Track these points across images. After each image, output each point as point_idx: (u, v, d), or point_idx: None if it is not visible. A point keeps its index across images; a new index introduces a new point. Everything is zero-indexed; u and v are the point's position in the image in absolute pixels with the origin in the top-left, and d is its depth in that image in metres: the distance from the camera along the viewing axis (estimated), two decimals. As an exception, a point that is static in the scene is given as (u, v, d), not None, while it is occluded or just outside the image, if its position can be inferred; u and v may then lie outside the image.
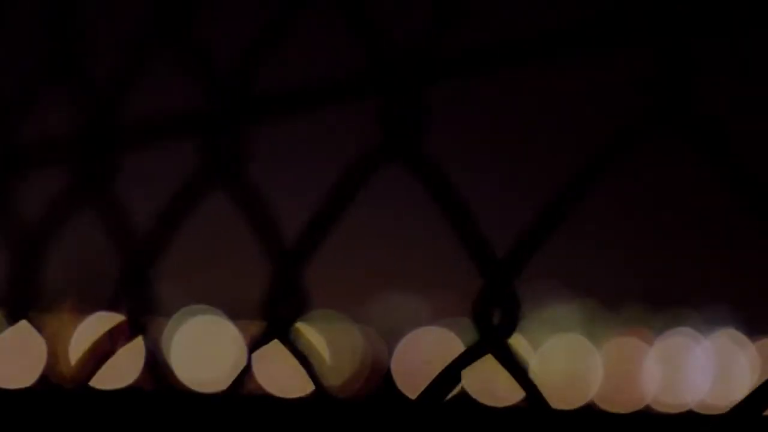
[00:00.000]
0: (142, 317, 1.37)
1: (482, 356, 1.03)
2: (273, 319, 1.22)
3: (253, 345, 1.22)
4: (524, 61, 1.05)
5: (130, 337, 1.40)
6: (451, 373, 1.04)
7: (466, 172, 1.13)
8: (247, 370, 1.23)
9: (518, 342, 1.02)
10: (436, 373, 1.05)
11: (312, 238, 1.19)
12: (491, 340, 1.02)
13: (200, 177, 1.31)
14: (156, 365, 1.39)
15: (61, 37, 1.57)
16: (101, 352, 1.42)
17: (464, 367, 1.03)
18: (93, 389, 1.48)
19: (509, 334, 1.02)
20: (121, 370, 1.49)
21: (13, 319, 1.57)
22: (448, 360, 1.05)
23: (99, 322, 1.59)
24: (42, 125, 1.64)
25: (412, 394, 1.19)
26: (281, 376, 1.38)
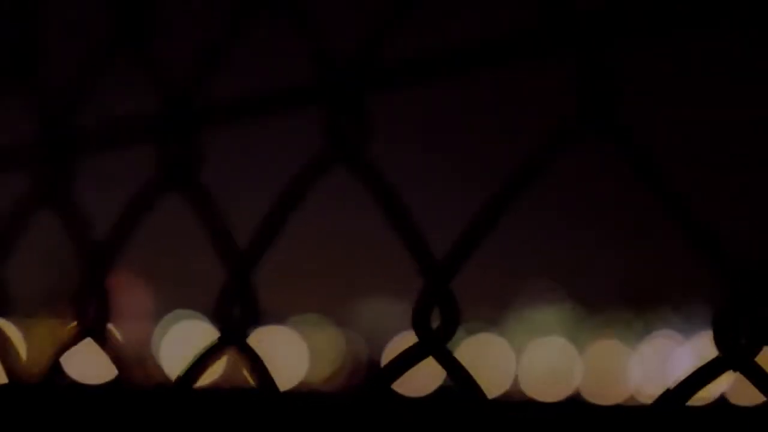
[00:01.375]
0: (101, 324, 1.39)
1: (422, 359, 1.05)
2: (226, 326, 1.23)
3: (208, 352, 1.23)
4: (460, 70, 1.08)
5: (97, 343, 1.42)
6: (388, 375, 1.06)
7: (410, 176, 1.15)
8: (196, 372, 1.24)
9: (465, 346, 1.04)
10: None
11: (261, 244, 1.21)
12: (431, 342, 1.04)
13: (154, 182, 1.33)
14: (121, 369, 1.41)
15: (16, 41, 1.59)
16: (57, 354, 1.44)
17: (403, 370, 1.05)
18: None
19: (450, 336, 1.04)
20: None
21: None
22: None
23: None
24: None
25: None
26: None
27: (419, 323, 1.05)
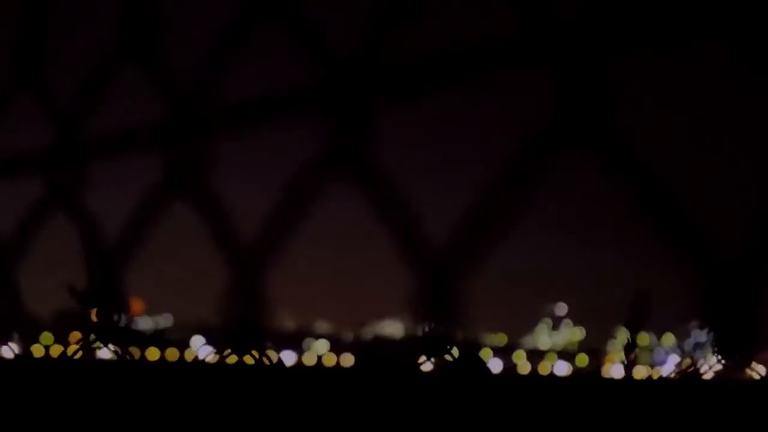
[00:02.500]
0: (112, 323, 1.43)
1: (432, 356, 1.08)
2: (236, 328, 1.27)
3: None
4: (452, 79, 1.12)
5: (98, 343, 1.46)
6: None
7: (410, 176, 1.19)
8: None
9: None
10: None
11: (267, 247, 1.25)
12: (432, 340, 1.08)
13: (163, 186, 1.36)
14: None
15: (26, 51, 1.62)
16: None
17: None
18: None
19: (450, 335, 1.08)
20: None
21: None
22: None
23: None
24: (11, 138, 1.70)
25: None
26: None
27: (418, 321, 1.08)
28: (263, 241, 1.26)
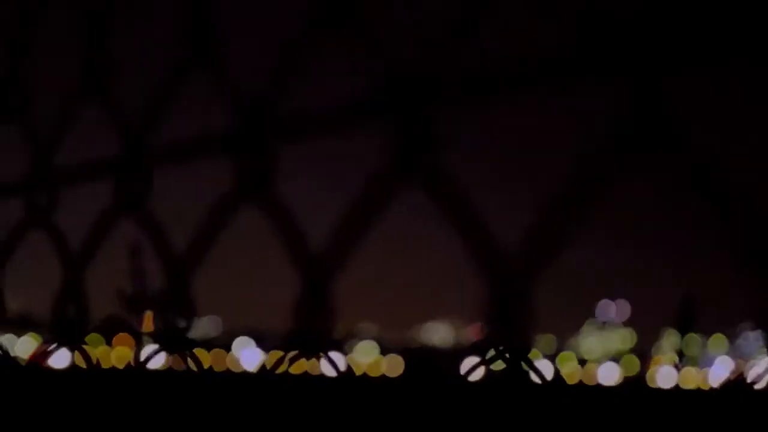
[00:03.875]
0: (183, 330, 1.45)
1: (495, 362, 1.09)
2: (304, 333, 1.28)
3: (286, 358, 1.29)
4: (518, 89, 1.13)
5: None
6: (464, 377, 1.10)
7: (477, 187, 1.20)
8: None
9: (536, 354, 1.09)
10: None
11: (336, 255, 1.26)
12: (504, 349, 1.08)
13: (233, 193, 1.38)
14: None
15: (93, 59, 1.64)
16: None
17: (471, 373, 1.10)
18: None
19: (523, 342, 1.08)
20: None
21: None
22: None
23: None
24: (81, 146, 1.72)
25: None
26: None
27: (492, 328, 1.09)
28: (331, 249, 1.27)
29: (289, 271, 1.32)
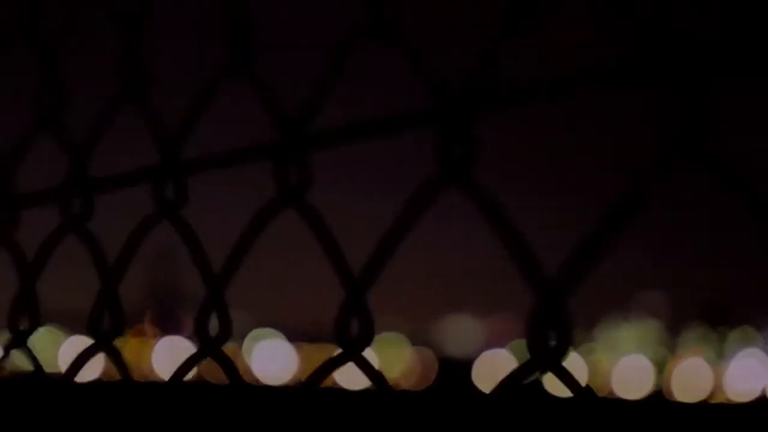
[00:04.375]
0: (222, 341, 1.45)
1: (536, 374, 1.09)
2: (345, 342, 1.28)
3: (329, 365, 1.30)
4: (562, 97, 1.12)
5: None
6: (506, 390, 1.10)
7: (518, 197, 1.19)
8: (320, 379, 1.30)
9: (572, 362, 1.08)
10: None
11: (376, 264, 1.26)
12: (546, 360, 1.08)
13: (271, 203, 1.38)
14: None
15: (130, 68, 1.65)
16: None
17: (515, 386, 1.09)
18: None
19: (564, 353, 1.08)
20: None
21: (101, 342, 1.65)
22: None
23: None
24: (113, 155, 1.73)
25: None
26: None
27: (533, 341, 1.08)
28: (374, 256, 1.27)
29: (328, 280, 1.32)
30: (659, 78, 1.02)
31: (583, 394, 1.09)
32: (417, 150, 1.30)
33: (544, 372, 1.09)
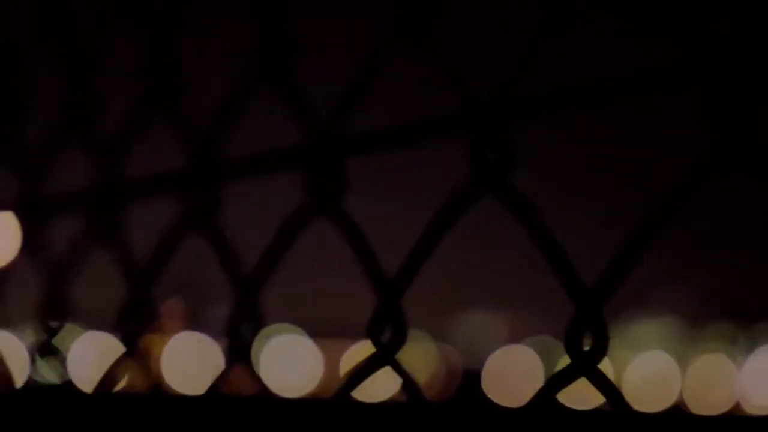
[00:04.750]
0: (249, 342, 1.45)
1: (575, 380, 1.09)
2: (380, 345, 1.28)
3: (362, 371, 1.29)
4: (600, 103, 1.12)
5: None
6: (545, 397, 1.10)
7: (552, 203, 1.20)
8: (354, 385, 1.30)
9: (606, 365, 1.09)
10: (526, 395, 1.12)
11: (411, 269, 1.26)
12: (583, 364, 1.08)
13: (304, 208, 1.38)
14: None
15: (160, 74, 1.65)
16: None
17: (557, 390, 1.10)
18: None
19: (600, 358, 1.08)
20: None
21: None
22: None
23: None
24: (147, 159, 1.73)
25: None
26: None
27: (571, 346, 1.09)
28: (408, 261, 1.27)
29: (361, 287, 1.32)
30: (697, 81, 1.02)
31: (618, 401, 1.09)
32: (445, 156, 1.30)
33: (580, 377, 1.10)
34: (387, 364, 1.28)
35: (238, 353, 1.47)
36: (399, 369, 1.28)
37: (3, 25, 1.94)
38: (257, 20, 1.47)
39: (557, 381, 1.10)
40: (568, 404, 1.19)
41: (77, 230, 1.81)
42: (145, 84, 1.67)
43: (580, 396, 1.19)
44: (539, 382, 1.21)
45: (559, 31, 1.14)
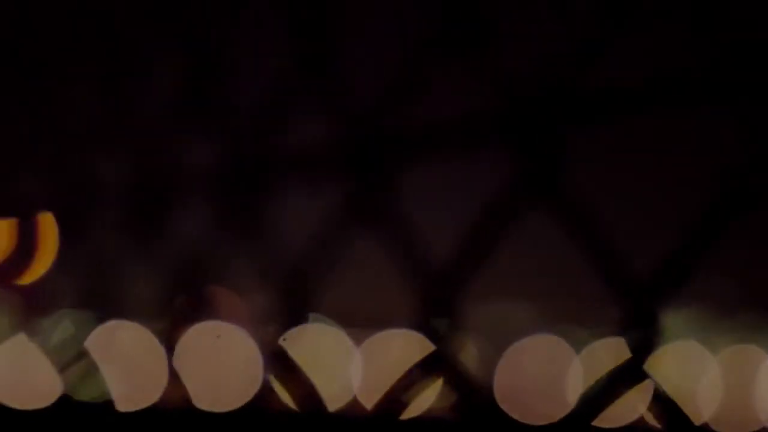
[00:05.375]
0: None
1: (632, 374, 1.09)
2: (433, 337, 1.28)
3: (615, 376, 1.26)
4: (651, 105, 1.12)
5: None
6: (601, 393, 1.10)
7: (604, 203, 1.19)
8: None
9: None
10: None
11: (463, 270, 1.26)
12: (633, 362, 1.08)
13: (351, 210, 1.38)
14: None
15: (202, 75, 1.65)
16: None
17: (612, 386, 1.10)
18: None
19: (649, 354, 1.08)
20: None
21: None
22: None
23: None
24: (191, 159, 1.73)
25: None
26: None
27: (628, 341, 1.09)
28: (456, 269, 1.27)
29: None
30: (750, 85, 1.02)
31: (671, 399, 1.09)
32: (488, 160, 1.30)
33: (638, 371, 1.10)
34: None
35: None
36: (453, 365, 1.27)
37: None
38: (303, 20, 1.46)
39: (615, 375, 1.11)
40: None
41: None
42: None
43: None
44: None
45: (611, 33, 1.14)
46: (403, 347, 1.38)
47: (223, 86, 1.64)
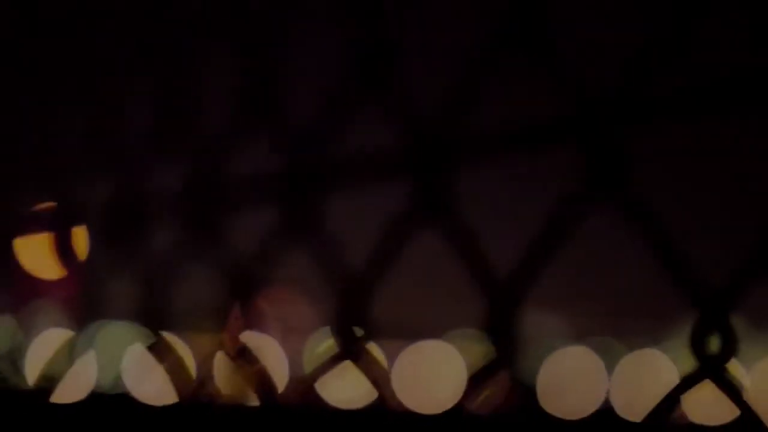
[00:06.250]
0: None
1: (700, 382, 1.09)
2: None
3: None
4: (718, 108, 1.12)
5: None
6: (672, 399, 1.10)
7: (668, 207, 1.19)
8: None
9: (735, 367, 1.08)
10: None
11: (524, 279, 1.26)
12: (710, 367, 1.08)
13: (411, 216, 1.38)
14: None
15: (260, 78, 1.65)
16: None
17: (683, 392, 1.10)
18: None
19: (727, 360, 1.08)
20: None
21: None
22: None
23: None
24: (247, 163, 1.73)
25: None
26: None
27: (697, 349, 1.09)
28: (519, 272, 1.27)
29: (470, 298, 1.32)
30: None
31: (744, 405, 1.08)
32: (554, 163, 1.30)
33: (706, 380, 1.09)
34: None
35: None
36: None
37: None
38: (359, 23, 1.46)
39: (684, 385, 1.10)
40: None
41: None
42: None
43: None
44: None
45: (677, 32, 1.14)
46: (465, 353, 1.38)
47: (282, 92, 1.64)
